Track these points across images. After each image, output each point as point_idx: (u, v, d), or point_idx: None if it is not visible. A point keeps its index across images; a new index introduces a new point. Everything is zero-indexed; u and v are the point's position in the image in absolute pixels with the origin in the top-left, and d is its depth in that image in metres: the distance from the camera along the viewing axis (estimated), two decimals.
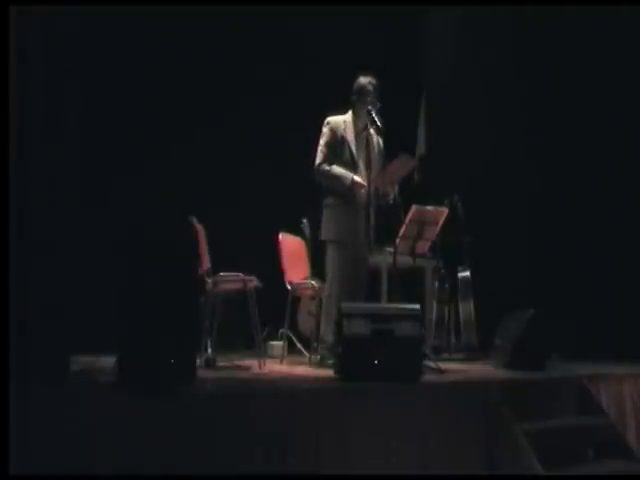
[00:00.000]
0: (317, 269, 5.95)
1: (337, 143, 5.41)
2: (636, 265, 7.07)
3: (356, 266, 5.37)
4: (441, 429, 4.25)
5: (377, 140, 5.58)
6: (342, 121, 5.47)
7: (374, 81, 5.44)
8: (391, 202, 5.43)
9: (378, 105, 5.41)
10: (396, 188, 5.46)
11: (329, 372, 4.86)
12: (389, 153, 5.50)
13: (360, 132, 5.51)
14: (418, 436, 4.17)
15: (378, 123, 5.34)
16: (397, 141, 5.62)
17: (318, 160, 5.41)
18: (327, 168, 5.35)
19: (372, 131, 5.54)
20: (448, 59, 8.08)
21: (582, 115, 7.28)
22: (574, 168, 7.35)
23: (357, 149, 5.45)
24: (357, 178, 5.35)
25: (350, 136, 5.44)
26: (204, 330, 5.46)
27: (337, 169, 5.35)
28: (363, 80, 5.46)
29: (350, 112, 5.51)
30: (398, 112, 6.27)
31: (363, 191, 5.35)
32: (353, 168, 5.40)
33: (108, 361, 4.44)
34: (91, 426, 3.38)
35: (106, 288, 4.69)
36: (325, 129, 5.46)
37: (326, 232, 5.45)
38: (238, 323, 5.91)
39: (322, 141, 5.43)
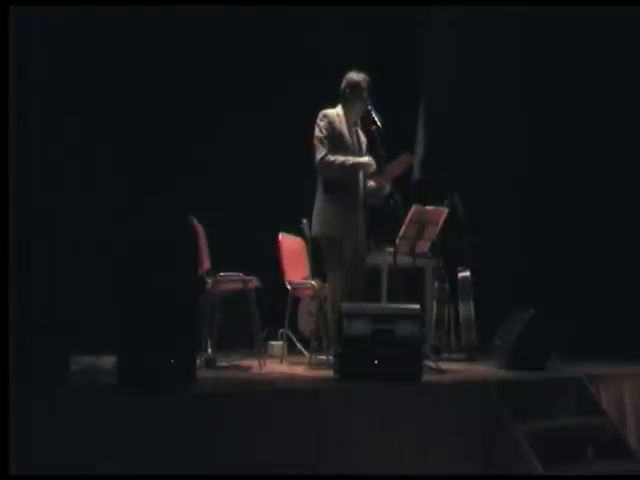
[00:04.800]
0: (317, 269, 5.94)
1: (335, 136, 5.29)
2: (636, 265, 7.08)
3: (356, 263, 5.29)
4: (441, 429, 4.26)
5: (363, 138, 5.51)
6: (336, 114, 5.36)
7: (368, 78, 5.38)
8: (391, 201, 5.39)
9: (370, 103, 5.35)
10: (390, 182, 5.39)
11: (329, 372, 4.86)
12: (388, 153, 5.46)
13: (351, 127, 5.43)
14: (418, 436, 4.18)
15: (378, 123, 5.29)
16: (396, 141, 5.60)
17: (321, 153, 5.23)
18: (332, 158, 5.20)
19: (359, 129, 5.47)
20: (448, 59, 8.08)
21: (583, 114, 7.29)
22: (575, 168, 7.36)
23: (351, 143, 5.38)
24: (365, 159, 5.28)
25: (345, 130, 5.36)
26: (204, 330, 5.46)
27: (343, 157, 5.23)
28: (357, 76, 5.36)
29: (340, 106, 5.40)
30: (397, 112, 6.27)
31: (372, 169, 5.28)
32: None
33: (108, 361, 4.44)
34: (91, 426, 3.39)
35: (106, 288, 4.70)
36: (322, 122, 5.31)
37: (324, 229, 5.27)
38: (238, 323, 5.91)
39: (321, 134, 5.28)
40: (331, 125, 5.30)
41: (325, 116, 5.33)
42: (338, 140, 5.29)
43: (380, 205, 5.43)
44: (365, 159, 5.30)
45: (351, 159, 5.25)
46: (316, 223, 5.32)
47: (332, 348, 5.25)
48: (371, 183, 5.36)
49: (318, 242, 5.40)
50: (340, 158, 5.21)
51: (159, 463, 3.45)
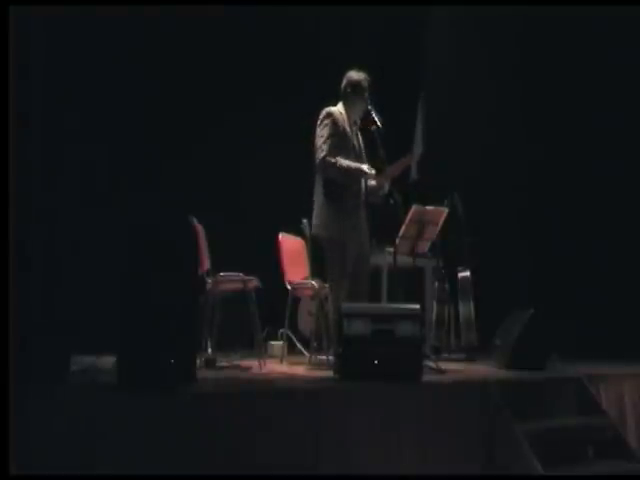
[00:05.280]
0: (317, 269, 5.93)
1: (340, 135, 5.20)
2: (636, 265, 7.08)
3: (359, 265, 5.24)
4: (441, 429, 4.26)
5: (361, 138, 5.47)
6: (339, 113, 5.28)
7: (368, 77, 5.35)
8: (391, 201, 5.37)
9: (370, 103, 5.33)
10: (389, 181, 5.36)
11: (329, 372, 4.86)
12: (388, 154, 5.45)
13: (352, 126, 5.39)
14: (418, 436, 4.18)
15: (378, 123, 5.26)
16: (396, 140, 5.59)
17: (324, 152, 5.11)
18: (333, 160, 5.09)
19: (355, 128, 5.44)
20: (448, 59, 8.09)
21: (583, 113, 7.29)
22: (574, 168, 7.36)
23: (353, 143, 5.33)
24: (366, 169, 5.18)
25: (348, 128, 5.32)
26: (204, 330, 5.46)
27: (346, 161, 5.13)
28: (358, 75, 5.31)
29: (341, 104, 5.33)
30: (397, 112, 6.27)
31: (373, 181, 5.22)
32: (355, 160, 5.24)
33: (108, 361, 4.44)
34: (91, 426, 3.39)
35: (106, 288, 4.69)
36: (327, 120, 5.20)
37: (326, 231, 5.19)
38: (238, 323, 5.91)
39: (326, 133, 5.16)
40: (335, 124, 5.20)
41: (330, 114, 5.22)
42: (342, 139, 5.20)
43: (379, 204, 5.39)
44: (366, 168, 5.18)
45: (353, 165, 5.15)
46: (317, 225, 5.24)
47: (332, 348, 5.21)
48: (371, 182, 5.33)
49: (318, 242, 5.35)
50: (342, 161, 5.11)
51: (159, 463, 3.45)
